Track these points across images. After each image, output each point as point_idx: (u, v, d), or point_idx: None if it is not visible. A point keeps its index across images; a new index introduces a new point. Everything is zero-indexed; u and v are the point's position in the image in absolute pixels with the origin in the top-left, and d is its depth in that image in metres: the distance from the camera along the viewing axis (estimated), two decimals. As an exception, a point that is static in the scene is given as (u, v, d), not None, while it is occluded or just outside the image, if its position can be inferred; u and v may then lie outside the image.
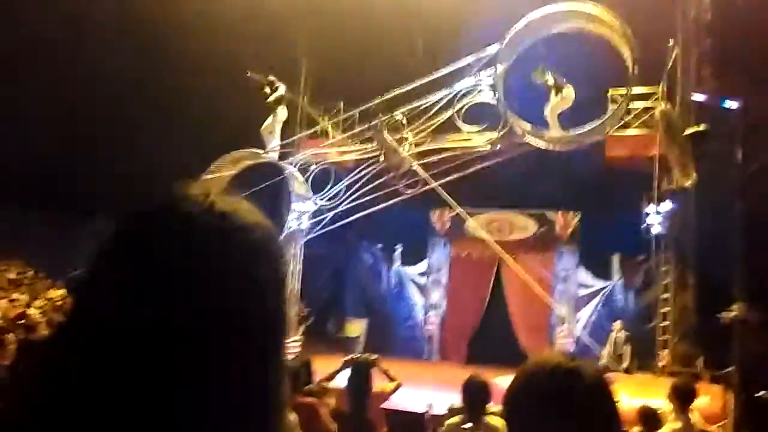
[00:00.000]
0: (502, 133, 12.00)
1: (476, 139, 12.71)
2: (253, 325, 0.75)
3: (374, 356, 6.35)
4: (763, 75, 6.78)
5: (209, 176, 14.26)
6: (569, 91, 11.67)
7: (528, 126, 11.94)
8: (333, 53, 15.05)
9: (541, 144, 11.87)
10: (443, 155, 12.82)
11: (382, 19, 13.91)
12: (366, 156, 14.03)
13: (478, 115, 12.82)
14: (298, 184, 14.75)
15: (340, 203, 14.20)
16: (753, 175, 6.89)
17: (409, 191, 13.06)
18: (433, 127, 12.91)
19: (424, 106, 12.99)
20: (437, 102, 12.80)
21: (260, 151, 14.38)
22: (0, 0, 13.21)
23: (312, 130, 15.76)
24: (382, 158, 13.43)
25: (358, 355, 7.05)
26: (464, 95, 12.61)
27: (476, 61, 12.08)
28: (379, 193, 13.57)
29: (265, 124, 14.48)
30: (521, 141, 11.74)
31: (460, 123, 12.52)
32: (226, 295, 0.73)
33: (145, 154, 13.68)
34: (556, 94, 11.70)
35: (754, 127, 6.97)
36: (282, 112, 14.48)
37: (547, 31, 11.50)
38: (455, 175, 12.44)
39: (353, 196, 13.90)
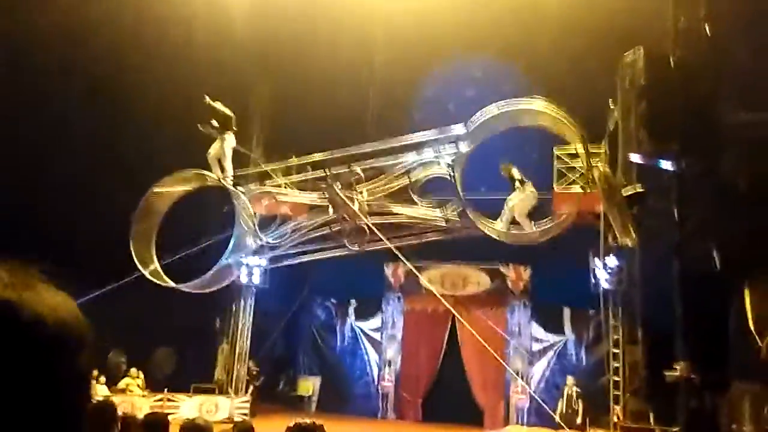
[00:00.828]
0: (456, 212, 12.32)
1: (429, 211, 12.98)
2: (42, 427, 0.68)
3: (319, 423, 6.10)
4: (693, 137, 7.09)
5: (156, 192, 13.88)
6: (531, 188, 12.18)
7: (483, 219, 12.40)
8: (287, 108, 15.20)
9: (493, 234, 12.24)
10: (396, 221, 12.98)
11: (340, 76, 14.16)
12: (317, 204, 14.05)
13: (433, 185, 13.15)
14: (246, 216, 14.50)
15: (286, 242, 14.10)
16: (690, 232, 7.09)
17: (356, 247, 13.02)
18: (390, 190, 13.10)
19: (383, 165, 13.16)
20: (395, 165, 13.03)
21: (208, 174, 14.03)
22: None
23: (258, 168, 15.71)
24: (331, 210, 13.43)
25: (303, 421, 6.77)
26: (422, 165, 12.92)
27: (442, 139, 12.42)
28: (327, 243, 13.55)
29: (212, 149, 14.11)
30: (472, 226, 12.12)
31: (415, 196, 12.73)
32: (7, 397, 0.66)
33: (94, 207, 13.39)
34: (520, 188, 12.17)
35: (687, 186, 7.22)
36: (230, 138, 14.10)
37: (509, 124, 12.02)
38: (407, 242, 12.60)
39: (300, 239, 13.84)
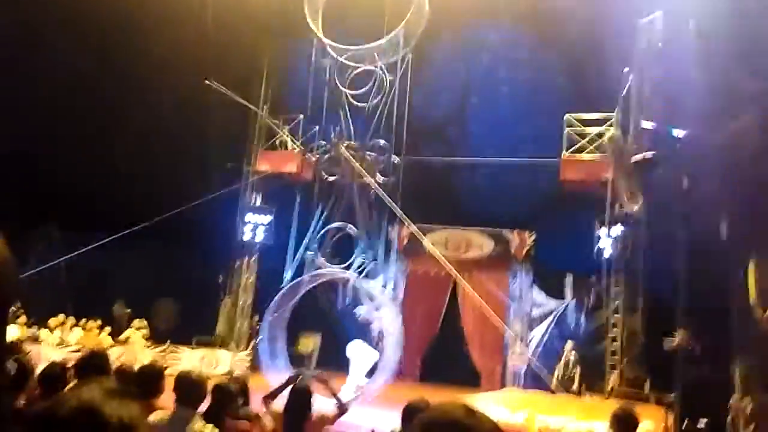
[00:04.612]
0: None
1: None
2: None
3: (324, 374, 6.15)
4: (709, 105, 6.95)
5: None
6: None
7: None
8: (294, 65, 14.98)
9: None
10: None
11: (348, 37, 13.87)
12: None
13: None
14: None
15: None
16: (698, 203, 7.02)
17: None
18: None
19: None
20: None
21: None
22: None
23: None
24: (338, 175, 13.35)
25: (306, 371, 6.85)
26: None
27: None
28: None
29: None
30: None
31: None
32: None
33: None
34: None
35: (700, 156, 7.11)
36: None
37: None
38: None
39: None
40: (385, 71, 12.87)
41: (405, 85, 13.12)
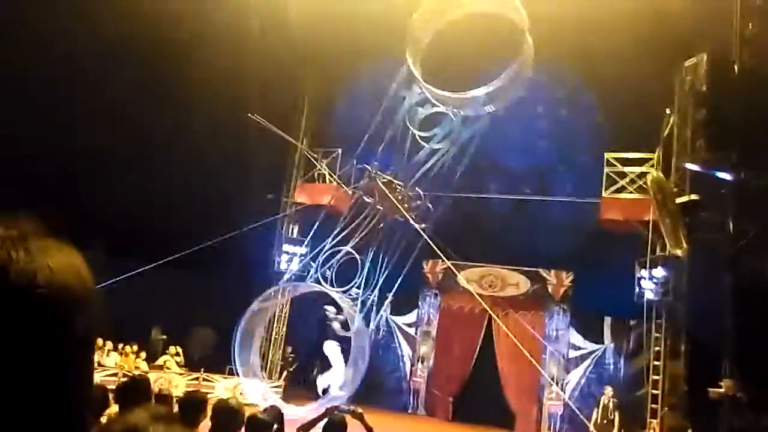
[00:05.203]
0: None
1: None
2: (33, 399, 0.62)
3: (359, 410, 6.12)
4: (755, 147, 6.80)
5: None
6: None
7: None
8: (334, 99, 15.27)
9: None
10: None
11: (385, 66, 14.06)
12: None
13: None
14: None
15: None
16: (744, 247, 6.83)
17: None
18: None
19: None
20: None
21: None
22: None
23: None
24: (373, 205, 13.37)
25: (343, 406, 6.81)
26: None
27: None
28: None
29: None
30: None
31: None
32: None
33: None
34: None
35: (745, 200, 6.94)
36: None
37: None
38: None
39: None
40: (460, 121, 12.55)
41: (474, 138, 12.66)
